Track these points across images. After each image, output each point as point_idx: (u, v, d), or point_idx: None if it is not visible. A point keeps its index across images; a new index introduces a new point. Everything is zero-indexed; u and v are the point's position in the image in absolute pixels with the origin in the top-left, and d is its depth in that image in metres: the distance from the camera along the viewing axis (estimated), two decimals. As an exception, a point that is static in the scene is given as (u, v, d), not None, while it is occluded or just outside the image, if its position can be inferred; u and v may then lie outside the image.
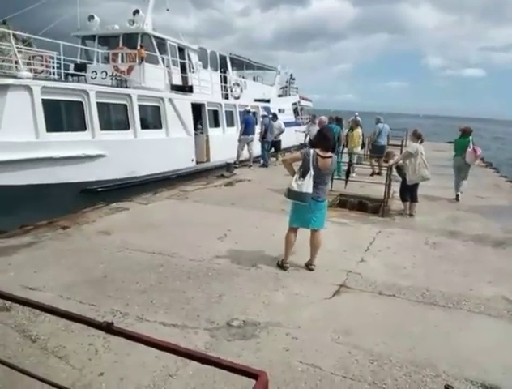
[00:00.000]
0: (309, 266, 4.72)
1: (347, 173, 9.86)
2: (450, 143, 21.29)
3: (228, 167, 11.64)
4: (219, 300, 3.91)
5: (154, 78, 11.84)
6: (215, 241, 5.56)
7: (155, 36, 12.54)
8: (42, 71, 10.55)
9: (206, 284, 4.24)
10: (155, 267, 4.59)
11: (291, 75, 25.58)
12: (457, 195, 9.11)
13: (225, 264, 4.80)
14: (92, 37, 13.07)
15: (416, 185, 7.52)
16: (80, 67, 11.99)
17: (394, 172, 7.98)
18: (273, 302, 3.92)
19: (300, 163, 4.50)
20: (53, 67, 10.66)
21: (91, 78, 11.59)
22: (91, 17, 13.04)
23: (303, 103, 25.84)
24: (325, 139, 4.51)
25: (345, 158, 11.11)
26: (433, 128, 58.25)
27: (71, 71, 11.79)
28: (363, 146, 12.30)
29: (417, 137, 7.66)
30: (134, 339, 1.81)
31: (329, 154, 4.46)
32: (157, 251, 5.07)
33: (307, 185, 4.30)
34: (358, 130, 11.72)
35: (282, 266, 4.67)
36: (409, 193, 7.55)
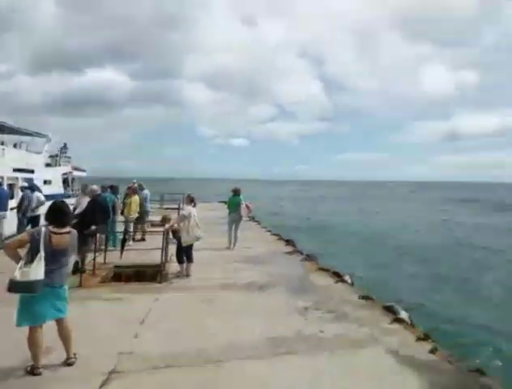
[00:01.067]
0: (67, 361, 3.96)
1: (123, 241, 9.43)
2: (221, 202, 23.96)
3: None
4: None
5: None
6: None
7: None
8: None
9: None
10: None
11: (64, 144, 23.62)
12: (230, 245, 10.21)
13: None
14: None
15: (190, 246, 7.82)
16: None
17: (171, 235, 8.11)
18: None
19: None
20: None
21: None
22: None
23: (76, 173, 24.00)
24: (59, 212, 3.93)
25: (121, 227, 10.60)
26: (208, 190, 64.68)
27: None
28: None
29: (190, 200, 8.21)
30: None
31: (66, 230, 3.91)
32: None
33: (36, 271, 3.56)
34: (136, 197, 11.47)
35: (33, 372, 3.75)
36: (185, 254, 7.77)
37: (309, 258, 9.16)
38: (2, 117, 17.32)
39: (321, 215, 35.14)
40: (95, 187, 9.70)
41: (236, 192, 10.78)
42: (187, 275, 7.64)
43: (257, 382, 3.75)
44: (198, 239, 7.90)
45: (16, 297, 3.70)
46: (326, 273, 7.75)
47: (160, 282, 7.17)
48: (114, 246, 9.16)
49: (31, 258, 3.65)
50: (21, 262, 3.65)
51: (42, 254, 3.65)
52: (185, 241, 7.69)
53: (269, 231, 14.42)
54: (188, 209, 7.99)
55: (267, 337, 4.75)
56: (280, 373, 3.93)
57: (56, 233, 3.81)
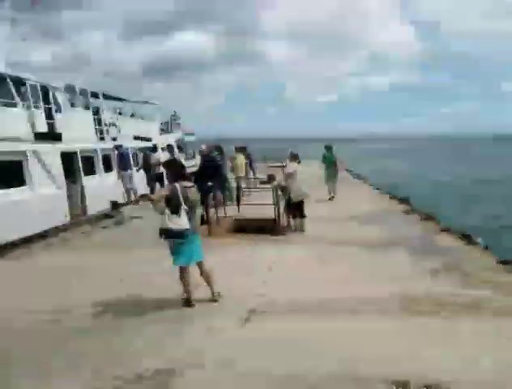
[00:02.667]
0: (212, 298, 4.50)
1: (238, 197, 10.00)
2: (316, 159, 23.37)
3: (114, 206, 10.77)
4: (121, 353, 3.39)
5: (9, 126, 9.45)
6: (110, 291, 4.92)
7: (10, 76, 10.55)
8: None
9: (104, 339, 3.68)
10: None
11: (174, 112, 25.04)
12: (332, 197, 11.38)
13: (128, 312, 4.32)
14: None
15: (301, 202, 7.84)
16: None
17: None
18: (185, 344, 3.55)
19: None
20: None
21: None
22: None
23: (186, 138, 25.39)
24: (175, 166, 4.53)
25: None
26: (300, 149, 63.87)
27: None
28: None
29: (294, 158, 8.27)
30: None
31: (191, 184, 4.45)
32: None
33: (184, 221, 4.09)
34: (241, 156, 12.53)
35: (187, 304, 4.39)
36: (296, 210, 7.86)
37: (429, 217, 8.50)
38: (107, 86, 18.07)
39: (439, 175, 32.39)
40: (203, 147, 10.25)
41: (330, 148, 11.88)
42: (301, 230, 7.78)
43: (383, 336, 3.63)
44: (306, 196, 7.90)
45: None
46: (452, 235, 7.12)
47: (277, 234, 7.52)
48: (231, 201, 9.72)
49: (175, 209, 4.11)
50: (167, 214, 4.11)
51: (184, 206, 4.12)
52: (295, 196, 7.76)
53: (378, 189, 13.80)
54: (293, 166, 8.04)
55: (395, 294, 4.55)
56: (407, 332, 3.72)
57: (187, 188, 4.27)
